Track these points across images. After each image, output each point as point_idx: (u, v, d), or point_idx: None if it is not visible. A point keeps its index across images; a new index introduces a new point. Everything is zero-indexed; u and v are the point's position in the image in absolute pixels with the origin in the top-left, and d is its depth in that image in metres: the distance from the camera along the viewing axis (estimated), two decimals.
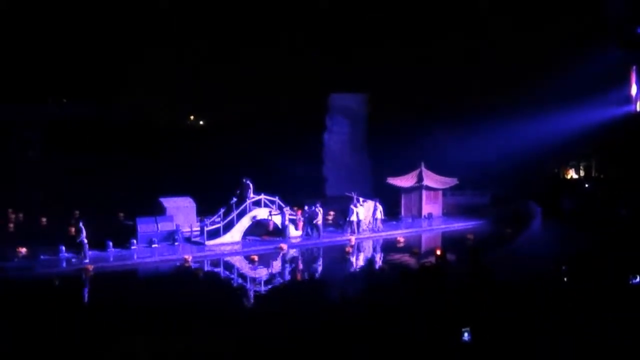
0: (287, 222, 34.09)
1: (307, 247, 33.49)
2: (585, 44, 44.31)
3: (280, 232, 34.15)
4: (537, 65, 47.44)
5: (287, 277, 28.39)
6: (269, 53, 60.83)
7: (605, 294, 19.36)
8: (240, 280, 28.05)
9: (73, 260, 28.32)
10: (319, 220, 34.44)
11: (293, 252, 32.53)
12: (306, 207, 35.12)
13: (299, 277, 28.61)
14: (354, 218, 35.52)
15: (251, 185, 34.27)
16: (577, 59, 44.46)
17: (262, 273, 28.60)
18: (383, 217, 37.15)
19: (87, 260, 28.11)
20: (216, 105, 68.65)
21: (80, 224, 29.00)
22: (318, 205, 35.14)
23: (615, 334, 16.26)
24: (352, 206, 35.71)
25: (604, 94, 46.41)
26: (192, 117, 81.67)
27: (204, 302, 22.91)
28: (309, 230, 34.56)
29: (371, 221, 36.58)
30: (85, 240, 28.60)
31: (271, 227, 34.27)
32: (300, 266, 30.50)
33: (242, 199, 34.17)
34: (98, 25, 67.12)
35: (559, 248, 28.91)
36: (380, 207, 36.77)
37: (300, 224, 34.46)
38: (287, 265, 30.31)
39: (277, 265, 30.06)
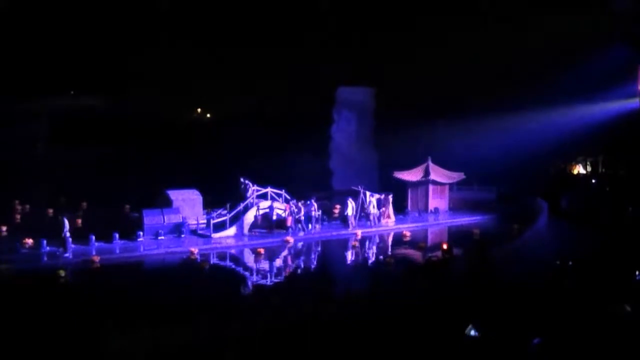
0: (274, 217, 33.89)
1: (311, 241, 33.43)
2: (592, 41, 44.10)
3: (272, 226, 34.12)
4: (544, 62, 47.31)
5: (289, 270, 28.41)
6: (275, 46, 60.77)
7: (608, 291, 19.32)
8: (245, 273, 28.09)
9: (66, 255, 28.02)
10: (302, 215, 34.15)
11: (289, 246, 32.45)
12: (292, 202, 34.72)
13: (300, 270, 28.55)
14: (349, 212, 35.38)
15: (250, 185, 34.21)
16: (584, 55, 44.34)
17: (266, 266, 28.66)
18: (378, 212, 36.83)
19: (68, 254, 27.93)
20: (223, 99, 68.64)
21: (64, 219, 28.75)
22: (312, 200, 34.95)
23: (617, 331, 16.24)
24: (348, 200, 35.63)
25: (611, 91, 46.27)
26: (198, 110, 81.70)
27: (208, 294, 23.00)
28: (295, 225, 34.13)
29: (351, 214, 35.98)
30: (68, 235, 28.40)
31: (259, 221, 34.17)
32: (303, 259, 30.43)
33: (241, 198, 34.20)
34: (104, 19, 67.09)
35: (562, 245, 28.92)
36: (373, 202, 36.50)
37: (290, 219, 33.99)
38: (290, 258, 30.34)
39: (281, 258, 30.12)
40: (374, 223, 36.36)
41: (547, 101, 47.60)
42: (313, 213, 34.59)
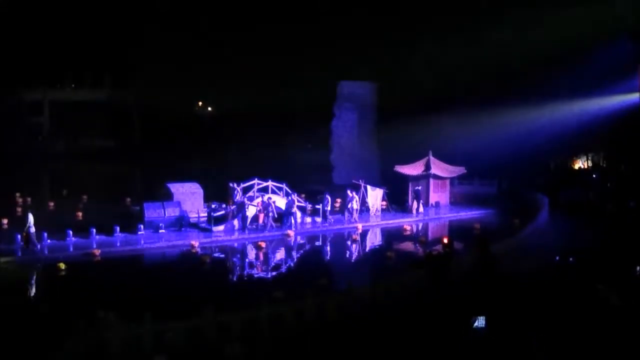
0: (247, 213, 32.96)
1: (310, 235, 33.37)
2: (593, 36, 44.01)
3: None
4: (545, 57, 47.27)
5: (290, 263, 28.47)
6: (277, 40, 60.76)
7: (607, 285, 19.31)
8: (246, 266, 28.16)
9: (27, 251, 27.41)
10: (274, 211, 33.31)
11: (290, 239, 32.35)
12: (263, 198, 33.64)
13: (300, 263, 28.55)
14: (329, 207, 34.96)
15: (238, 190, 33.82)
16: (585, 51, 44.33)
17: (266, 259, 28.74)
18: (359, 207, 36.30)
19: (37, 249, 27.34)
20: (224, 93, 68.67)
21: (29, 214, 28.01)
22: (292, 195, 34.42)
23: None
24: (326, 196, 35.30)
25: (611, 86, 46.24)
26: (200, 104, 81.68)
27: (208, 287, 23.10)
28: (267, 221, 33.13)
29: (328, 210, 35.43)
30: (33, 230, 27.53)
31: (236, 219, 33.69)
32: (302, 253, 30.45)
33: (230, 202, 33.93)
34: (110, 11, 67.09)
35: (563, 240, 28.93)
36: (356, 197, 36.06)
37: (262, 216, 33.22)
38: (291, 251, 30.39)
39: (281, 251, 30.20)
40: (354, 218, 35.61)
41: (548, 96, 47.57)
42: (294, 209, 33.91)
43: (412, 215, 37.93)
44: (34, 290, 23.57)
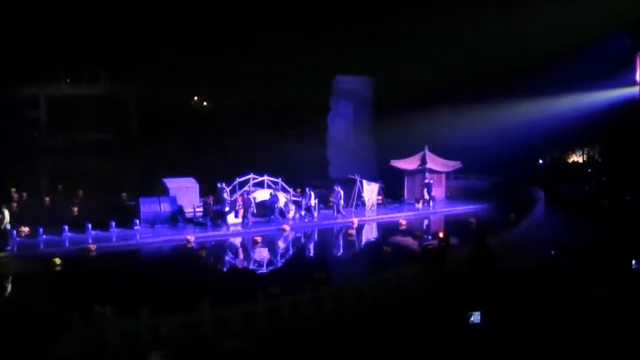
0: (227, 208, 32.57)
1: (306, 229, 33.41)
2: (590, 30, 44.01)
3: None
4: (541, 52, 47.29)
5: (286, 257, 28.53)
6: (273, 36, 60.68)
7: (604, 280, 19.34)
8: (241, 261, 28.19)
9: (8, 248, 26.96)
10: (254, 207, 33.15)
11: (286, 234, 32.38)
12: (245, 194, 33.67)
13: (295, 257, 28.58)
14: (312, 202, 34.61)
15: (227, 189, 33.59)
16: (582, 45, 44.34)
17: (262, 254, 28.75)
18: (344, 203, 36.16)
19: (9, 247, 26.90)
20: (219, 87, 68.59)
21: (4, 210, 27.98)
22: (275, 192, 34.39)
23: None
24: (309, 191, 34.96)
25: (609, 80, 46.24)
26: (195, 99, 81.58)
27: (205, 282, 23.11)
28: (246, 218, 32.95)
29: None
30: (9, 226, 27.42)
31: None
32: (297, 247, 30.53)
33: (219, 201, 33.77)
34: (108, 6, 66.90)
35: (559, 235, 28.95)
36: (341, 192, 35.78)
37: (241, 212, 32.96)
38: (287, 246, 30.42)
39: (277, 245, 30.24)
40: (341, 214, 35.53)
41: (544, 91, 47.59)
42: (278, 204, 33.78)
43: (414, 209, 37.99)
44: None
